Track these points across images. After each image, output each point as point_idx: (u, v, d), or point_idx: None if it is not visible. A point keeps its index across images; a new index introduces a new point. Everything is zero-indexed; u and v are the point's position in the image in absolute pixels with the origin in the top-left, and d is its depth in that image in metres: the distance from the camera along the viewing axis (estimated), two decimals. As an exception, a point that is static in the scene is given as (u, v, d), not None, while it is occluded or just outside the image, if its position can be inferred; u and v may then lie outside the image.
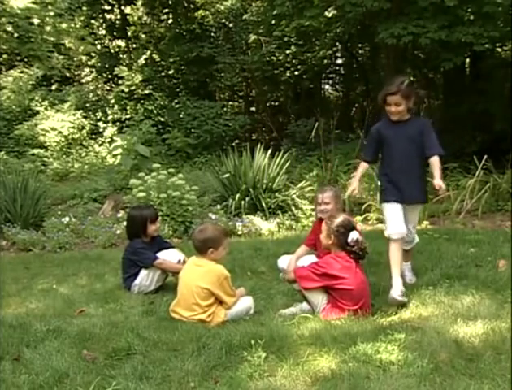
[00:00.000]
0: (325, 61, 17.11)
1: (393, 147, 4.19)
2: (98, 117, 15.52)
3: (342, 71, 19.11)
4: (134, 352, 3.17)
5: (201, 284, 3.73)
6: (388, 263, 4.10)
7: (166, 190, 7.25)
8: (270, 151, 8.64)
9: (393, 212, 4.15)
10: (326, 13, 11.78)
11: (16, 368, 3.02)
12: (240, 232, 7.21)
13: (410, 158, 4.16)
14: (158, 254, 4.63)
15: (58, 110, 14.94)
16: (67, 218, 7.55)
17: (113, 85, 17.00)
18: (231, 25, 17.32)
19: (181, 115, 15.03)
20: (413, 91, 4.13)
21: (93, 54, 17.36)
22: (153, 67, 16.58)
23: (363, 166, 4.47)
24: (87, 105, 15.58)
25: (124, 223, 7.18)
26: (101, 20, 17.66)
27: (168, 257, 4.62)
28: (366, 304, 3.80)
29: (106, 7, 17.23)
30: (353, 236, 3.81)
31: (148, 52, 17.36)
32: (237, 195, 7.92)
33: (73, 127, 14.69)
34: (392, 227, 4.12)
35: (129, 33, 17.89)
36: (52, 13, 11.23)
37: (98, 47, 17.43)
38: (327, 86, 19.54)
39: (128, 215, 5.08)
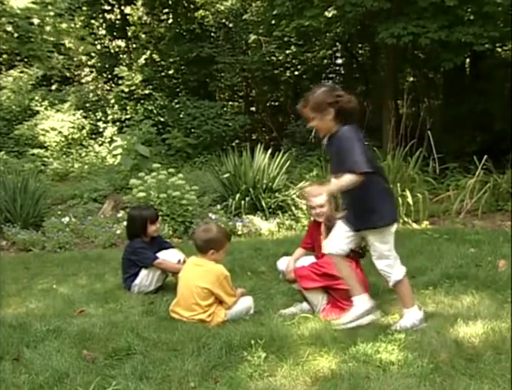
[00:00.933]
0: (325, 61, 17.12)
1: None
2: (98, 117, 15.52)
3: (342, 71, 19.10)
4: (134, 352, 3.17)
5: (200, 284, 3.72)
6: None
7: (166, 190, 7.25)
8: (270, 151, 8.64)
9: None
10: (326, 13, 11.79)
11: (16, 368, 3.02)
12: (240, 232, 7.21)
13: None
14: (158, 254, 4.63)
15: (58, 110, 14.94)
16: (67, 218, 7.55)
17: (113, 85, 17.00)
18: (231, 25, 17.32)
19: (181, 115, 15.04)
20: (326, 99, 3.31)
21: (93, 54, 17.36)
22: (153, 67, 16.58)
23: None
24: (87, 105, 15.59)
25: (124, 223, 7.20)
26: (101, 20, 17.67)
27: (168, 257, 4.62)
28: None
29: (106, 7, 17.23)
30: None
31: (148, 52, 17.37)
32: (237, 195, 7.92)
33: (73, 127, 14.70)
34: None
35: (129, 33, 17.89)
36: (52, 13, 11.23)
37: (98, 47, 17.43)
38: (327, 86, 19.52)
39: (128, 215, 5.09)
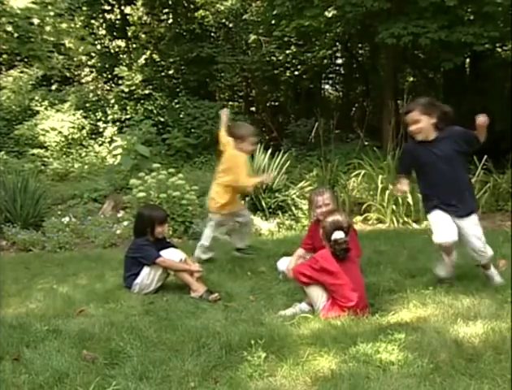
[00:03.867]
0: (325, 61, 17.11)
1: None
2: (98, 117, 15.49)
3: (342, 71, 19.11)
4: (134, 352, 3.17)
5: None
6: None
7: (166, 190, 7.25)
8: (270, 151, 8.64)
9: None
10: (326, 13, 11.78)
11: (16, 368, 3.02)
12: (240, 232, 7.20)
13: None
14: (160, 253, 4.63)
15: (58, 110, 14.92)
16: (67, 218, 7.55)
17: (113, 85, 16.99)
18: (231, 25, 17.31)
19: (181, 115, 15.01)
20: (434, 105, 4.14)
21: (93, 54, 17.33)
22: (153, 67, 16.56)
23: None
24: (87, 105, 15.56)
25: (124, 223, 7.22)
26: (101, 20, 17.65)
27: (169, 256, 4.63)
28: (363, 301, 3.81)
29: (106, 7, 17.20)
30: (335, 235, 3.83)
31: (148, 52, 17.35)
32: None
33: (73, 127, 14.67)
34: None
35: (129, 33, 17.87)
36: (52, 13, 11.20)
37: (98, 47, 17.40)
38: (327, 86, 19.54)
39: (137, 213, 5.09)
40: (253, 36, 16.19)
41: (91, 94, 16.17)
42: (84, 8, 16.11)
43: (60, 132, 14.37)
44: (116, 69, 15.63)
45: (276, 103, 18.70)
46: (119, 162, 11.25)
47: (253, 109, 18.65)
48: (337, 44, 16.77)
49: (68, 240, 6.91)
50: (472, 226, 4.11)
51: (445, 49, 10.44)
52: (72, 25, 13.00)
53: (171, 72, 17.22)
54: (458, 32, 9.54)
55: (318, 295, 3.82)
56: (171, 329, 3.54)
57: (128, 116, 15.28)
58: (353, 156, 9.47)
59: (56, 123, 14.44)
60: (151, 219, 4.73)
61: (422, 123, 4.04)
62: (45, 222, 7.42)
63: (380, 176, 7.71)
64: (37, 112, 14.90)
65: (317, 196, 4.67)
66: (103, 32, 17.96)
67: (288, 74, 16.90)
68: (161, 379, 2.86)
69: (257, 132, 5.51)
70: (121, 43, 18.11)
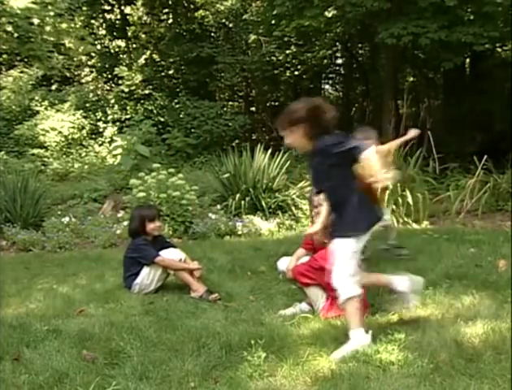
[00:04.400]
0: (325, 61, 17.12)
1: None
2: (98, 117, 15.50)
3: (342, 71, 19.12)
4: (134, 352, 3.17)
5: None
6: None
7: (166, 190, 7.26)
8: (270, 151, 8.64)
9: None
10: (326, 13, 11.78)
11: (16, 368, 3.02)
12: (240, 232, 7.21)
13: None
14: (160, 253, 4.64)
15: (58, 110, 14.92)
16: (67, 218, 7.55)
17: (113, 85, 16.99)
18: (231, 25, 17.31)
19: (181, 115, 15.02)
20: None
21: (93, 54, 17.34)
22: (153, 67, 16.57)
23: None
24: (87, 105, 15.56)
25: (125, 223, 7.22)
26: (101, 20, 17.65)
27: (169, 255, 4.63)
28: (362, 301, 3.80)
29: (106, 7, 17.21)
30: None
31: (148, 52, 17.35)
32: (237, 195, 7.92)
33: (73, 127, 14.67)
34: None
35: (129, 33, 17.88)
36: (52, 13, 11.21)
37: (98, 47, 17.40)
38: (327, 86, 19.55)
39: (130, 214, 5.14)
40: (253, 36, 16.20)
41: (91, 94, 16.17)
42: (84, 8, 16.11)
43: (60, 132, 14.37)
44: (116, 69, 15.63)
45: (276, 103, 18.70)
46: (119, 162, 11.25)
47: (253, 109, 18.65)
48: (337, 44, 16.78)
49: (68, 240, 6.92)
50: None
51: (445, 49, 10.45)
52: (72, 25, 13.00)
53: (171, 72, 17.22)
54: (458, 32, 9.54)
55: (317, 295, 3.83)
56: (171, 329, 3.54)
57: (128, 116, 15.29)
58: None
59: (56, 123, 14.44)
60: (141, 217, 4.77)
61: (287, 140, 3.36)
62: (45, 222, 7.42)
63: (380, 176, 7.70)
64: (37, 112, 14.90)
65: (314, 195, 4.68)
66: (103, 32, 17.96)
67: (288, 74, 16.91)
68: (161, 379, 2.86)
69: (374, 134, 5.05)
70: (121, 43, 18.11)
